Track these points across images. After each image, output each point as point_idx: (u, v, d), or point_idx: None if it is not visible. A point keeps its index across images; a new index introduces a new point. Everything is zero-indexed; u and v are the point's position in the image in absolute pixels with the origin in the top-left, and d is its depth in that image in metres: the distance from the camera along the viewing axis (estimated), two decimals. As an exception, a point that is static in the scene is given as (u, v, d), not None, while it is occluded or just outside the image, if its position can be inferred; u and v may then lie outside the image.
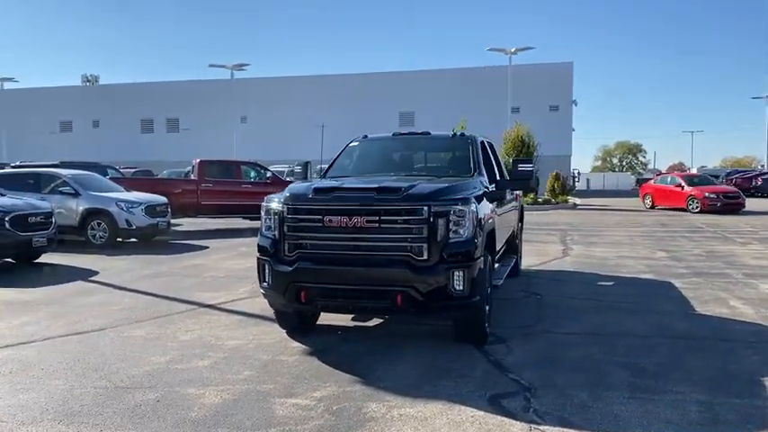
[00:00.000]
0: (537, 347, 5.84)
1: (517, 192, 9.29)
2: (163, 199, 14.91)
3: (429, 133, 7.63)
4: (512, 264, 8.38)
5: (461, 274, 5.32)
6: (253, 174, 18.94)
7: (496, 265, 7.03)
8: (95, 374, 5.11)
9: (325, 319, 6.59)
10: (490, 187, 6.67)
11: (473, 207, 5.47)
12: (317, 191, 5.63)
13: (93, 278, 9.80)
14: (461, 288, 5.34)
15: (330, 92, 48.64)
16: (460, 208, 5.40)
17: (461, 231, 5.39)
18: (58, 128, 54.37)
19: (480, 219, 5.61)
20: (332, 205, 5.47)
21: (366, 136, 7.79)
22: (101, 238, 13.75)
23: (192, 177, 18.10)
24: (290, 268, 5.52)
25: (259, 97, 49.38)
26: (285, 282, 5.56)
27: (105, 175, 19.34)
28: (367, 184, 5.80)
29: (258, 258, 5.82)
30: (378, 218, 5.34)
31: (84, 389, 4.77)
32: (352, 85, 48.76)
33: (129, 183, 17.35)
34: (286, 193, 5.79)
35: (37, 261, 11.43)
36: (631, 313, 7.20)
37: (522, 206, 9.91)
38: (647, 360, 5.44)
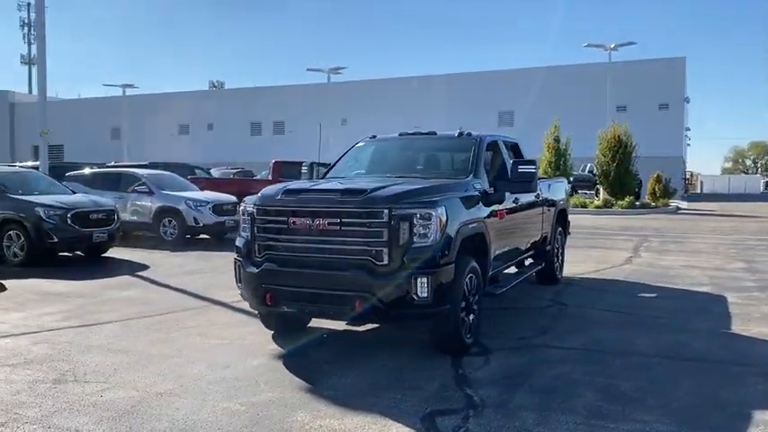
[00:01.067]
0: (518, 362, 5.45)
1: (553, 196, 8.78)
2: (232, 198, 15.42)
3: (435, 133, 7.35)
4: (529, 272, 7.92)
5: (425, 280, 5.06)
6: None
7: (494, 272, 6.67)
8: (58, 365, 5.31)
9: (320, 321, 6.50)
10: (489, 190, 6.31)
11: (440, 211, 5.18)
12: (287, 192, 5.56)
13: (140, 272, 10.28)
14: (425, 295, 5.08)
15: (427, 92, 48.50)
16: (426, 211, 5.13)
17: (426, 236, 5.12)
18: (177, 131, 57.87)
19: (452, 223, 5.31)
20: (296, 207, 5.39)
21: (374, 136, 7.65)
22: (171, 234, 14.44)
23: (269, 177, 18.64)
24: (258, 270, 5.50)
25: (358, 100, 50.11)
26: (254, 283, 5.54)
27: (193, 174, 20.35)
28: (337, 185, 5.66)
29: (234, 259, 5.84)
30: (339, 220, 5.19)
31: (39, 380, 4.97)
32: (449, 86, 48.34)
33: (207, 183, 18.12)
34: (259, 193, 5.78)
35: (104, 255, 12.18)
36: (652, 329, 6.57)
37: (562, 210, 9.32)
38: (630, 383, 4.91)
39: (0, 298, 8.16)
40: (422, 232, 5.12)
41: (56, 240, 10.76)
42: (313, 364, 5.42)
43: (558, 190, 9.23)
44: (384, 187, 5.39)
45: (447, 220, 5.24)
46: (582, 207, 26.50)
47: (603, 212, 25.53)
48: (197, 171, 20.80)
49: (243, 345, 5.97)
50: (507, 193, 6.77)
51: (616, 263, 11.45)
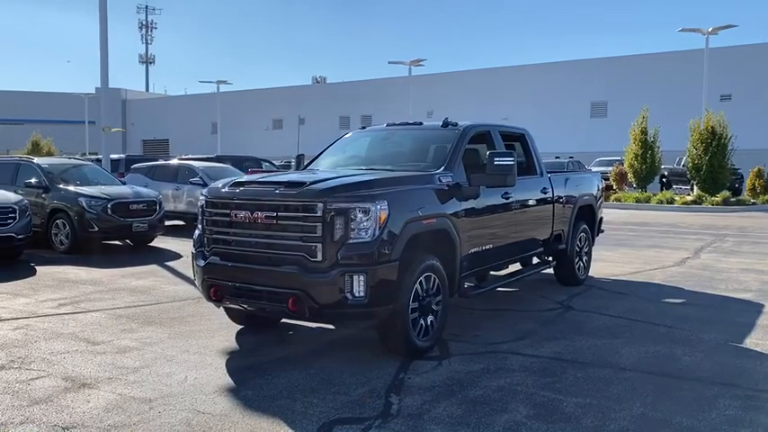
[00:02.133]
0: (470, 369, 5.06)
1: (571, 191, 8.16)
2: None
3: (421, 123, 6.98)
4: (526, 274, 7.41)
5: (360, 279, 4.78)
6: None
7: (478, 271, 6.26)
8: (14, 351, 5.46)
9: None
10: (464, 183, 5.90)
11: (379, 205, 4.88)
12: (233, 184, 5.43)
13: (169, 262, 10.54)
14: (361, 295, 4.80)
15: (516, 83, 47.19)
16: (363, 206, 4.85)
17: (363, 231, 4.84)
18: (271, 125, 59.68)
19: (397, 218, 4.98)
20: (237, 199, 5.25)
21: (363, 127, 7.42)
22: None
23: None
24: (204, 263, 5.43)
25: (444, 91, 49.54)
26: (201, 276, 5.47)
27: (260, 167, 20.87)
28: (282, 177, 5.47)
29: (191, 252, 5.80)
30: (275, 214, 5.01)
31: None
32: (538, 76, 46.76)
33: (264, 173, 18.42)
34: (210, 185, 5.70)
35: (150, 244, 12.63)
36: (648, 339, 5.93)
37: (586, 206, 8.64)
38: (577, 399, 4.43)
39: (23, 283, 8.59)
40: (358, 227, 4.84)
41: (96, 229, 11.25)
42: (257, 362, 5.27)
43: (580, 184, 8.58)
44: (324, 180, 5.14)
45: (389, 215, 4.92)
46: (668, 203, 24.83)
47: (692, 209, 23.75)
48: (264, 164, 21.27)
49: (203, 337, 5.92)
50: (499, 188, 6.37)
51: (665, 264, 10.54)
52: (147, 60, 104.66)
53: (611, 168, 28.91)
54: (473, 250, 6.05)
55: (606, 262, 10.56)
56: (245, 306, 5.30)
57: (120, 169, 20.07)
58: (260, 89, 61.80)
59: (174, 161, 17.45)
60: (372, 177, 5.32)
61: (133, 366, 5.10)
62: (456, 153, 6.07)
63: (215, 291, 5.34)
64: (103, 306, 7.24)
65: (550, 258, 7.98)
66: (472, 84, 49.17)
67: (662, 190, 29.00)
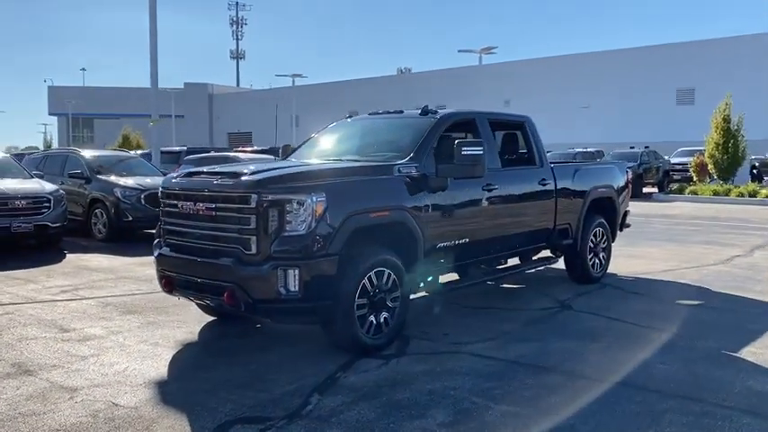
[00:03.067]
0: (412, 370, 4.81)
1: (581, 184, 7.66)
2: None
3: (402, 112, 6.70)
4: (522, 269, 7.01)
5: (293, 273, 4.64)
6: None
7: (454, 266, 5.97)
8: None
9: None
10: (431, 174, 5.62)
11: (316, 197, 4.70)
12: (185, 175, 5.41)
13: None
14: (294, 289, 4.66)
15: (593, 70, 45.30)
16: (298, 197, 4.69)
17: (298, 224, 4.69)
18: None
19: (338, 210, 4.79)
20: (183, 190, 5.22)
21: (350, 116, 7.24)
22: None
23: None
24: (157, 254, 5.44)
25: (521, 81, 48.28)
26: (156, 267, 5.49)
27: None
28: (227, 169, 5.38)
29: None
30: (214, 205, 4.94)
31: (-41, 348, 5.35)
32: (618, 62, 44.67)
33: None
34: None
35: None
36: (635, 346, 5.46)
37: (603, 199, 8.08)
38: (505, 407, 4.12)
39: (42, 269, 8.99)
40: (293, 220, 4.69)
41: (130, 219, 11.64)
42: (205, 355, 5.26)
43: (594, 176, 8.04)
44: (264, 171, 5.01)
45: (327, 207, 4.73)
46: (750, 196, 23.08)
47: (776, 203, 21.96)
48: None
49: (169, 328, 5.93)
50: (479, 180, 6.05)
51: (707, 262, 9.74)
52: (237, 56, 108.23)
53: (691, 159, 27.27)
54: (443, 244, 5.76)
55: (641, 259, 9.91)
56: (192, 298, 5.27)
57: (180, 161, 20.74)
58: (336, 81, 62.56)
59: (220, 154, 17.83)
60: (311, 168, 5.17)
61: (84, 355, 5.17)
62: (426, 143, 5.79)
63: (166, 282, 5.35)
64: (100, 294, 7.44)
65: (556, 254, 7.52)
66: (551, 71, 47.69)
67: (753, 182, 27.04)
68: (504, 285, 8.02)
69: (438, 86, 53.72)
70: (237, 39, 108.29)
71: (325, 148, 6.64)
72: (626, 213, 8.79)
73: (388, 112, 6.77)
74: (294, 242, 4.67)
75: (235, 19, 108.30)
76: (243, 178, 4.87)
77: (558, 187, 7.24)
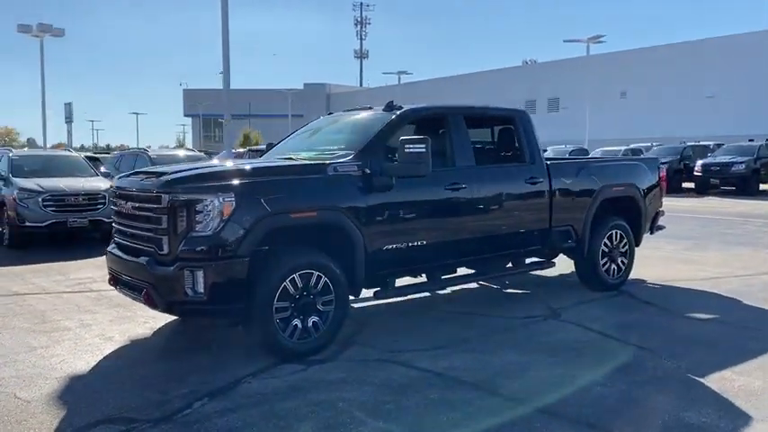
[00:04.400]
0: (325, 378, 4.61)
1: (586, 183, 7.04)
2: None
3: (370, 108, 6.43)
4: (496, 275, 6.58)
5: (198, 274, 4.61)
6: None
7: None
8: (-20, 326, 6.12)
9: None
10: (376, 173, 5.36)
11: (224, 198, 4.63)
12: (130, 174, 5.52)
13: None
14: (200, 291, 4.62)
15: (719, 57, 41.63)
16: (205, 197, 4.65)
17: (205, 225, 4.64)
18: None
19: (250, 211, 4.69)
20: (119, 190, 5.37)
21: (331, 113, 7.09)
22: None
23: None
24: (107, 250, 5.62)
25: (638, 70, 45.39)
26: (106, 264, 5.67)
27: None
28: (159, 169, 5.42)
29: None
30: (137, 204, 5.02)
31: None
32: (748, 48, 40.75)
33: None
34: None
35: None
36: (590, 362, 4.95)
37: (618, 199, 7.37)
38: (381, 424, 3.85)
39: (80, 262, 9.60)
40: (201, 221, 4.64)
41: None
42: (140, 352, 5.33)
43: (607, 173, 7.34)
44: (182, 171, 5.01)
45: (236, 208, 4.65)
46: None
47: None
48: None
49: (134, 324, 6.05)
50: (442, 178, 5.76)
51: (764, 270, 8.65)
52: (361, 55, 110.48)
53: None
54: (394, 247, 5.48)
55: (693, 264, 9.00)
56: (128, 296, 5.38)
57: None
58: (446, 77, 62.16)
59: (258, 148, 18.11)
60: (227, 168, 5.09)
61: (35, 346, 5.43)
62: (375, 140, 5.54)
63: (110, 278, 5.51)
64: (105, 287, 7.80)
65: (548, 257, 6.97)
66: (671, 60, 44.48)
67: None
68: (507, 291, 7.56)
69: (550, 78, 51.87)
70: (361, 38, 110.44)
71: (292, 145, 6.54)
72: (657, 214, 7.97)
73: (364, 109, 6.55)
74: (200, 243, 4.63)
75: (359, 19, 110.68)
76: (159, 178, 4.91)
77: (553, 186, 6.68)
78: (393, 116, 5.79)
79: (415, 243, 5.64)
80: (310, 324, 5.02)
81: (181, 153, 16.39)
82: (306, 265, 4.96)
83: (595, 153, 24.66)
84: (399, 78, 50.49)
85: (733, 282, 7.86)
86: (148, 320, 6.20)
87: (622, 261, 7.45)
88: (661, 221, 8.23)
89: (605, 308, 6.64)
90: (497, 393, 4.33)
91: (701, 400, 4.19)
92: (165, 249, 4.74)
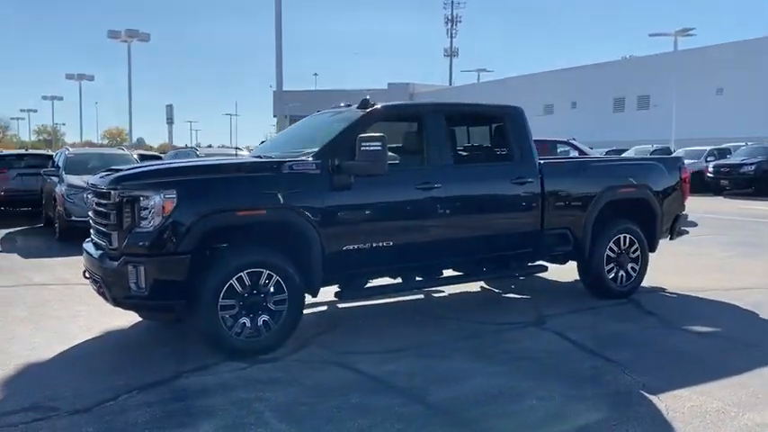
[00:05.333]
0: (259, 377, 4.58)
1: (588, 185, 6.65)
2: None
3: (350, 105, 6.30)
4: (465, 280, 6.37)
5: (140, 270, 4.70)
6: (566, 152, 17.38)
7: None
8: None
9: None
10: (331, 170, 5.27)
11: (165, 195, 4.69)
12: (105, 171, 5.70)
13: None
14: (142, 286, 4.71)
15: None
16: (148, 194, 4.73)
17: (147, 221, 4.73)
18: (542, 111, 58.10)
19: (192, 208, 4.74)
20: (90, 186, 5.55)
21: (318, 111, 7.02)
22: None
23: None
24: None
25: (736, 65, 42.47)
26: None
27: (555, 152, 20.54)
28: (121, 166, 5.55)
29: None
30: (98, 201, 5.18)
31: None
32: None
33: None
34: None
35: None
36: (544, 375, 4.66)
37: (617, 201, 6.87)
38: (284, 426, 3.78)
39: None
40: (144, 217, 4.73)
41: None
42: (98, 343, 5.48)
43: (613, 174, 6.92)
44: (134, 168, 5.12)
45: (177, 205, 4.70)
46: None
47: None
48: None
49: (115, 316, 5.92)
50: (411, 177, 5.63)
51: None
52: (451, 54, 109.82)
53: None
54: (352, 247, 5.38)
55: (727, 273, 8.36)
56: (93, 289, 5.54)
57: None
58: (529, 74, 60.67)
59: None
60: (175, 166, 5.15)
61: (18, 334, 5.71)
62: (340, 138, 5.45)
63: (84, 271, 5.70)
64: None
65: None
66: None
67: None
68: (508, 295, 7.27)
69: (640, 75, 49.52)
70: (451, 37, 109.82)
71: (273, 143, 6.58)
72: (677, 218, 7.41)
73: (346, 107, 6.47)
74: (143, 239, 4.72)
75: (449, 17, 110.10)
76: (110, 176, 5.05)
77: (546, 187, 6.34)
78: (361, 114, 5.69)
79: (381, 244, 5.51)
80: (260, 323, 5.01)
81: (243, 152, 16.78)
82: (254, 264, 4.95)
83: (629, 153, 23.62)
84: (479, 76, 49.73)
85: (757, 294, 7.17)
86: (126, 314, 6.28)
87: (632, 268, 6.98)
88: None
89: (600, 317, 6.24)
90: (422, 401, 4.16)
91: (636, 419, 3.85)
92: (114, 244, 4.87)
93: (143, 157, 16.28)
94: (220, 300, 4.83)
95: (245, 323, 4.95)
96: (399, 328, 5.85)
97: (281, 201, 5.09)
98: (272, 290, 5.03)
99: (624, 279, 6.93)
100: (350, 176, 5.27)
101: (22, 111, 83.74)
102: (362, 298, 6.04)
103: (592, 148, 21.69)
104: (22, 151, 21.15)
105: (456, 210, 5.88)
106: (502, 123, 6.43)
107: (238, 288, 4.90)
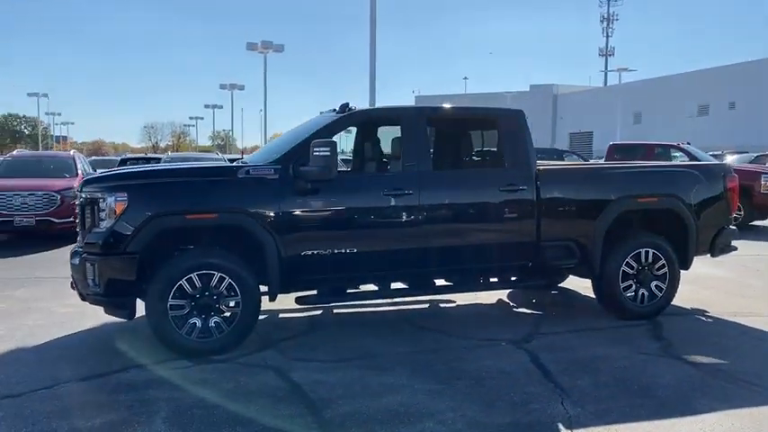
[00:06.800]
0: (187, 376, 4.70)
1: (600, 192, 6.10)
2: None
3: (334, 110, 6.19)
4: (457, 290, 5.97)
5: (94, 268, 5.00)
6: (675, 156, 15.96)
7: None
8: None
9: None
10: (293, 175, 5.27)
11: (116, 197, 4.96)
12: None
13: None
14: (96, 283, 5.01)
15: None
16: (102, 196, 5.04)
17: (102, 222, 5.03)
18: (696, 112, 53.68)
19: (141, 210, 4.96)
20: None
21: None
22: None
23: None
24: None
25: None
26: None
27: (561, 159, 19.82)
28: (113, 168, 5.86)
29: None
30: (77, 202, 5.56)
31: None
32: None
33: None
34: None
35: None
36: (480, 397, 4.35)
37: (634, 211, 6.26)
38: (170, 428, 3.85)
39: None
40: (103, 218, 5.02)
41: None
42: (91, 336, 5.76)
43: (630, 182, 6.25)
44: (108, 171, 5.43)
45: (127, 207, 4.94)
46: None
47: None
48: (566, 156, 20.03)
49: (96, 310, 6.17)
50: (379, 182, 5.53)
51: None
52: (606, 53, 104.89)
53: None
54: (312, 253, 5.34)
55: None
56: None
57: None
58: (684, 73, 56.22)
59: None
60: (136, 170, 5.36)
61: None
62: (304, 143, 5.42)
63: None
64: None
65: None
66: None
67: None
68: (519, 309, 6.84)
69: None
70: (607, 36, 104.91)
71: (267, 148, 6.65)
72: (721, 232, 6.54)
73: (332, 111, 6.41)
74: (97, 238, 5.01)
75: (605, 16, 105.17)
76: (87, 177, 5.40)
77: (543, 194, 5.89)
78: (332, 119, 5.63)
79: (345, 251, 5.42)
80: (212, 324, 5.12)
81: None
82: (204, 266, 5.07)
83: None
84: (620, 76, 46.74)
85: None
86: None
87: (657, 286, 6.28)
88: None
89: (595, 339, 5.68)
90: (317, 414, 4.06)
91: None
92: (80, 243, 5.22)
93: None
94: (170, 300, 5.01)
95: (195, 323, 5.09)
96: (369, 338, 5.70)
97: (234, 205, 5.18)
98: (224, 292, 5.12)
99: (646, 298, 6.26)
100: (307, 182, 5.24)
101: (190, 118, 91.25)
102: (321, 304, 5.95)
103: (723, 153, 19.67)
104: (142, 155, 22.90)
105: (432, 218, 5.63)
106: (495, 128, 6.06)
107: (188, 289, 5.04)
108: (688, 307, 6.77)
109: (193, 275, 5.04)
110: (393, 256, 5.61)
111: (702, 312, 6.60)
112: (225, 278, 5.11)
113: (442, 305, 6.94)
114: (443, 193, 5.67)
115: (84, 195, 5.18)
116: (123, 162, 18.45)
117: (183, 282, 5.03)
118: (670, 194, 6.30)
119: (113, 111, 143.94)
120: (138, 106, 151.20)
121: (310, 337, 5.78)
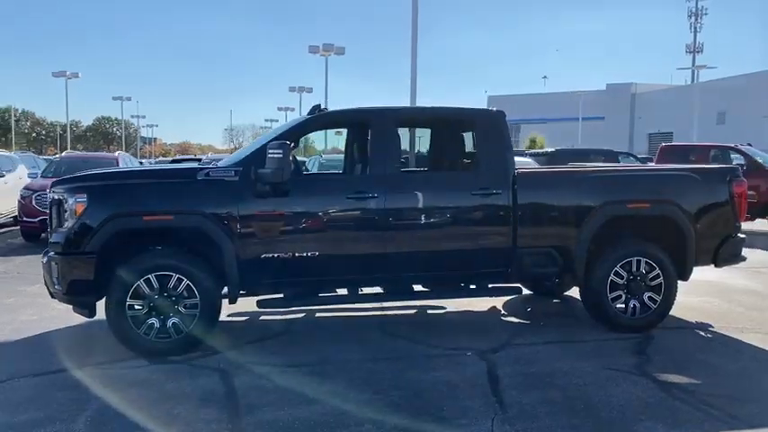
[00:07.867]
0: (136, 376, 4.77)
1: (583, 197, 5.77)
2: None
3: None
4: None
5: (56, 267, 5.14)
6: (732, 158, 14.95)
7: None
8: None
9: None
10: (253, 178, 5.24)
11: (77, 198, 5.07)
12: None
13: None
14: (60, 281, 5.15)
15: None
16: (64, 197, 5.18)
17: (65, 221, 5.16)
18: (775, 113, 50.38)
19: (100, 212, 5.05)
20: None
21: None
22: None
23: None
24: None
25: None
26: None
27: (617, 161, 19.02)
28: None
29: None
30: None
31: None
32: None
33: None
34: None
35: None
36: (403, 411, 4.19)
37: (624, 217, 5.85)
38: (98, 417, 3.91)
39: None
40: (66, 218, 5.15)
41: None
42: (73, 331, 5.99)
43: (620, 186, 5.88)
44: (81, 174, 5.56)
45: (87, 208, 5.05)
46: None
47: None
48: (621, 158, 19.18)
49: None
50: (342, 186, 5.44)
51: None
52: (694, 50, 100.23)
53: None
54: (271, 256, 5.30)
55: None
56: None
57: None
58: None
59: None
60: (98, 172, 5.44)
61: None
62: (264, 146, 5.37)
63: None
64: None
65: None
66: None
67: None
68: (508, 318, 6.57)
69: None
70: (695, 31, 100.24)
71: (237, 152, 6.65)
72: (726, 241, 6.05)
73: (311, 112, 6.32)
74: (59, 238, 5.14)
75: (693, 11, 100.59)
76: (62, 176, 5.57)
77: (520, 199, 5.62)
78: (297, 122, 5.58)
79: (306, 254, 5.35)
80: (170, 325, 5.17)
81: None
82: (161, 267, 5.12)
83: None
84: (695, 74, 44.38)
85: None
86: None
87: (650, 298, 5.88)
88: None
89: (567, 351, 5.38)
90: (235, 421, 4.02)
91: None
92: (49, 242, 5.38)
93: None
94: (128, 300, 5.09)
95: (153, 324, 5.15)
96: (333, 344, 5.60)
97: (191, 207, 5.20)
98: (183, 293, 5.16)
99: (638, 310, 5.87)
100: (265, 184, 5.20)
101: (266, 120, 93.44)
102: (291, 307, 5.86)
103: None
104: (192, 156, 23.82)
105: (399, 222, 5.48)
106: (471, 130, 5.84)
107: (146, 290, 5.11)
108: (693, 320, 6.32)
109: (151, 276, 5.10)
110: (359, 261, 5.49)
111: (706, 326, 6.13)
112: (183, 279, 5.14)
113: (430, 312, 6.75)
114: (410, 197, 5.51)
115: (52, 196, 5.34)
116: (174, 162, 19.14)
117: (141, 282, 5.09)
118: (664, 200, 5.89)
119: (196, 113, 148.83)
120: (219, 108, 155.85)
121: (278, 341, 5.75)
